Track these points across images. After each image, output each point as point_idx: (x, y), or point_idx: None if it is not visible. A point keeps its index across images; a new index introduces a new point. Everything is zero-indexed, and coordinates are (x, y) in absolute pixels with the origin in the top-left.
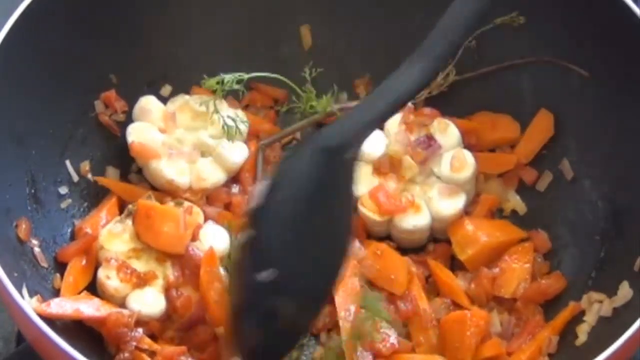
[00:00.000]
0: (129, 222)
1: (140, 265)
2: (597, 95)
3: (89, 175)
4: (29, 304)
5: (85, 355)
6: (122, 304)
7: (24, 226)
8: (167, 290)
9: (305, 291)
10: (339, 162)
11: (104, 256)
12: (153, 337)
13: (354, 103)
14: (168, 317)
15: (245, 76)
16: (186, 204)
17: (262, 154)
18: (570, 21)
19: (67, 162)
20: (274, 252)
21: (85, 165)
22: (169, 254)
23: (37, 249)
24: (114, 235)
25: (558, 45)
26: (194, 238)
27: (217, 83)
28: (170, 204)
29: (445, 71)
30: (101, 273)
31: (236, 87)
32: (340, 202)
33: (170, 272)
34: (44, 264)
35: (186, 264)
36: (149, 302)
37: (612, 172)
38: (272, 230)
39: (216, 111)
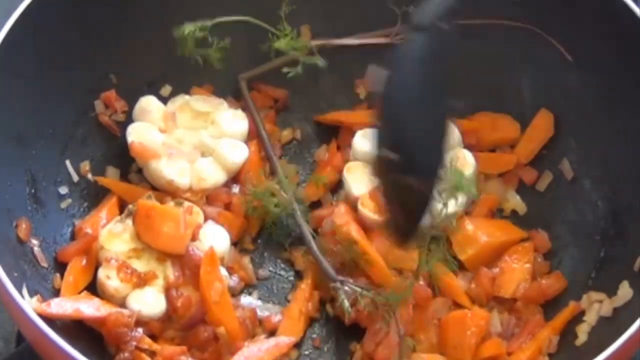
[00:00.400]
0: (129, 222)
1: (140, 265)
2: (597, 95)
3: (89, 175)
4: (29, 304)
5: (85, 355)
6: (122, 304)
7: (24, 226)
8: (167, 290)
9: (422, 164)
10: (439, 35)
11: (104, 256)
12: (153, 337)
13: (336, 40)
14: (168, 317)
15: (209, 23)
16: (186, 204)
17: (245, 87)
18: (570, 21)
19: (67, 162)
20: (396, 134)
21: (85, 165)
22: (169, 254)
23: (37, 249)
24: (114, 235)
25: (557, 43)
26: (194, 238)
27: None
28: (171, 204)
29: None
30: (101, 273)
31: (199, 34)
32: (444, 75)
33: (171, 272)
34: (44, 264)
35: (186, 264)
36: (149, 302)
37: (612, 172)
38: (394, 113)
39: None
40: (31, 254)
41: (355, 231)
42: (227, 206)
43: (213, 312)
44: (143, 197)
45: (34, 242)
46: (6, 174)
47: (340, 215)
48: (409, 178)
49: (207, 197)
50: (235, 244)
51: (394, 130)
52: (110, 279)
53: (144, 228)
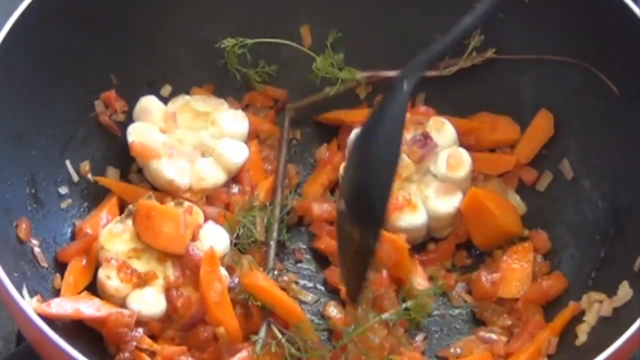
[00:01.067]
0: (129, 222)
1: (140, 265)
2: (597, 95)
3: (89, 175)
4: (29, 304)
5: (85, 355)
6: (122, 304)
7: (24, 226)
8: (167, 290)
9: (365, 219)
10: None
11: (104, 256)
12: (153, 337)
13: (384, 72)
14: (168, 317)
15: (249, 41)
16: (186, 204)
17: (289, 118)
18: (570, 21)
19: (67, 162)
20: (350, 185)
21: (85, 165)
22: (169, 254)
23: (37, 249)
24: (114, 235)
25: (558, 44)
26: (194, 238)
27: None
28: (171, 204)
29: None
30: (101, 273)
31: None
32: (401, 133)
33: (171, 272)
34: (44, 264)
35: (186, 264)
36: (149, 302)
37: (612, 172)
38: (351, 167)
39: None
40: (31, 254)
41: (263, 279)
42: (227, 206)
43: (213, 312)
44: (143, 197)
45: (34, 242)
46: (6, 174)
47: (246, 274)
48: (353, 228)
49: (207, 197)
50: (235, 244)
51: (350, 181)
52: (110, 279)
53: (144, 228)
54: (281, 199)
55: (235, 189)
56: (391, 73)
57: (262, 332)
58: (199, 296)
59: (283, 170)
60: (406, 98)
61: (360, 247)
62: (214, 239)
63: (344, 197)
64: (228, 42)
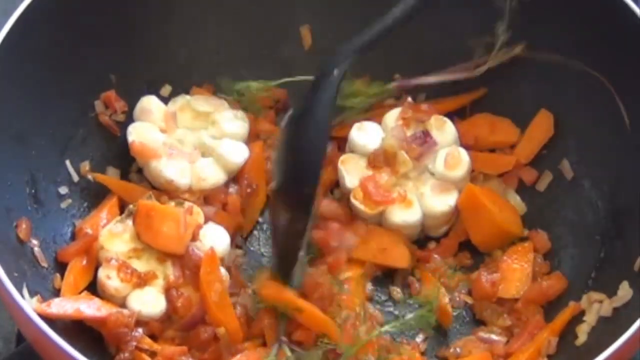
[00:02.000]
0: (130, 222)
1: (140, 265)
2: (597, 95)
3: (89, 175)
4: (29, 304)
5: (85, 355)
6: (122, 304)
7: (24, 226)
8: (167, 290)
9: (294, 204)
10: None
11: (104, 256)
12: (153, 337)
13: (414, 80)
14: (168, 317)
15: (272, 83)
16: (187, 204)
17: None
18: (569, 21)
19: (67, 162)
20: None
21: (85, 165)
22: (169, 254)
23: (37, 249)
24: (114, 235)
25: (558, 45)
26: (194, 238)
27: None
28: (171, 204)
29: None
30: (101, 273)
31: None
32: (331, 118)
33: (171, 272)
34: (44, 264)
35: (186, 264)
36: (149, 302)
37: (612, 172)
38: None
39: None
40: (31, 254)
41: (283, 290)
42: (224, 206)
43: (213, 312)
44: (143, 197)
45: (34, 242)
46: (6, 174)
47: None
48: (283, 210)
49: (205, 197)
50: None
51: (280, 165)
52: (110, 279)
53: (144, 228)
54: None
55: (232, 189)
56: (424, 80)
57: (274, 351)
58: (199, 296)
59: None
60: (335, 85)
61: (290, 229)
62: (214, 239)
63: (275, 181)
64: (250, 85)
